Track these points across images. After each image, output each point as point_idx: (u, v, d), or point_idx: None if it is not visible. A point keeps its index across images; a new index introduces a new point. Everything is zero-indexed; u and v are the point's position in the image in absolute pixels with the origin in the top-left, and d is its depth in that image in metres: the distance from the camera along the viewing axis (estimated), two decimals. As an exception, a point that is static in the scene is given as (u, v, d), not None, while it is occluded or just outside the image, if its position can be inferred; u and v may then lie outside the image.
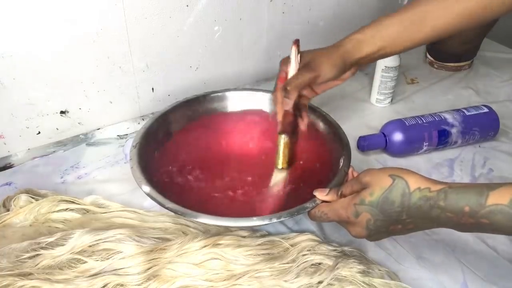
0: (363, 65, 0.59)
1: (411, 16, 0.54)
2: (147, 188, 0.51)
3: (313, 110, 0.64)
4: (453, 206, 0.39)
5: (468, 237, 0.56)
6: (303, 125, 0.59)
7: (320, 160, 0.60)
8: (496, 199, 0.37)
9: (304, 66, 0.55)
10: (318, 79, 0.54)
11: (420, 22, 0.54)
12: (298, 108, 0.58)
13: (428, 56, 0.97)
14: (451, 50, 0.92)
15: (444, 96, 0.86)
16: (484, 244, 0.55)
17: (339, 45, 0.56)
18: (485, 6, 0.52)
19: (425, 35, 0.55)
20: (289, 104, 0.54)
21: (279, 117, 0.56)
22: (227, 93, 0.69)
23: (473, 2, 0.52)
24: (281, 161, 0.59)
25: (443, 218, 0.40)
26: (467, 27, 0.54)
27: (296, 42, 0.56)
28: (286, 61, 0.57)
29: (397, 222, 0.43)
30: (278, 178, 0.60)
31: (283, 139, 0.58)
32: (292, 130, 0.59)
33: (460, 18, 0.53)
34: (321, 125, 0.63)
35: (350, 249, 0.53)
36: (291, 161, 0.60)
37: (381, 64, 0.78)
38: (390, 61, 0.77)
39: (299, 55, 0.56)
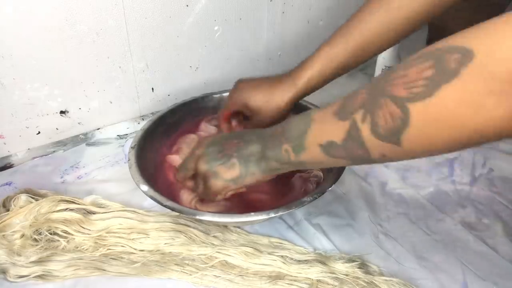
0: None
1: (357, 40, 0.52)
2: (145, 187, 0.51)
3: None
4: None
5: (468, 237, 0.56)
6: None
7: None
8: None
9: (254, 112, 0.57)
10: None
11: (365, 47, 0.52)
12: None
13: (428, 56, 0.97)
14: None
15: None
16: (484, 244, 0.55)
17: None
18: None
19: (369, 55, 0.54)
20: None
21: None
22: (225, 95, 0.69)
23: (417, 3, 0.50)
24: None
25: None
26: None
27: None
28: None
29: (231, 138, 0.48)
30: None
31: None
32: None
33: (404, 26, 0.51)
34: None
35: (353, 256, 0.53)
36: None
37: (381, 64, 0.78)
38: (390, 61, 0.77)
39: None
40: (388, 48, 0.54)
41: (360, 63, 0.55)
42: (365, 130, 0.34)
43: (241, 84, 0.59)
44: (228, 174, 0.47)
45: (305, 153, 0.40)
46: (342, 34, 0.53)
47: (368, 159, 0.36)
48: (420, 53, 0.31)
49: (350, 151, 0.36)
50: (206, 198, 0.51)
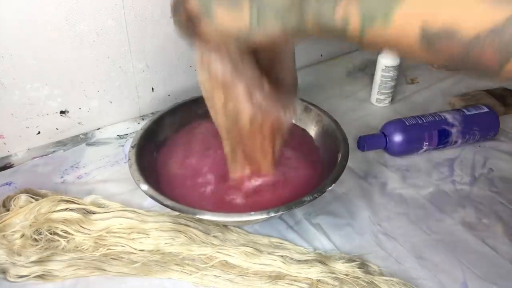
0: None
1: None
2: (145, 187, 0.51)
3: (313, 109, 0.64)
4: None
5: (468, 237, 0.56)
6: None
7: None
8: None
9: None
10: None
11: None
12: None
13: (428, 56, 0.97)
14: (451, 50, 0.92)
15: (444, 96, 0.86)
16: (484, 244, 0.55)
17: None
18: None
19: None
20: None
21: None
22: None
23: None
24: None
25: None
26: None
27: None
28: None
29: None
30: None
31: None
32: None
33: None
34: (320, 122, 0.63)
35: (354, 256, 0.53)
36: None
37: (381, 64, 0.78)
38: (390, 61, 0.77)
39: None
40: None
41: None
42: None
43: None
44: (228, 17, 0.31)
45: (384, 30, 0.25)
46: None
47: (491, 74, 0.24)
48: None
49: (476, 55, 0.24)
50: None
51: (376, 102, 0.82)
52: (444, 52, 0.24)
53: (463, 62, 0.24)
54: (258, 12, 0.29)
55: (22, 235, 0.53)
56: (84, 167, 0.67)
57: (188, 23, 0.34)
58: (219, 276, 0.50)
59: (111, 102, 0.72)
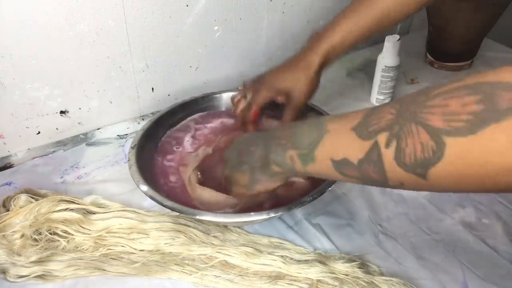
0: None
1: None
2: (145, 187, 0.51)
3: (313, 109, 0.64)
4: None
5: (468, 237, 0.56)
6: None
7: None
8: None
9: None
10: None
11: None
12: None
13: (428, 56, 0.97)
14: (451, 50, 0.92)
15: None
16: (484, 244, 0.55)
17: (308, 66, 0.56)
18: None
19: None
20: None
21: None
22: (224, 95, 0.69)
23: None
24: None
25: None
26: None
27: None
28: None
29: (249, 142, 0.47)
30: None
31: None
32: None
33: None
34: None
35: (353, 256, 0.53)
36: None
37: (381, 64, 0.78)
38: (390, 61, 0.76)
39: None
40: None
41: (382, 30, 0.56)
42: (387, 156, 0.31)
43: (261, 75, 0.59)
44: (242, 181, 0.47)
45: (314, 165, 0.38)
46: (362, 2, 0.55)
47: (383, 184, 0.33)
48: (464, 82, 0.28)
49: (365, 173, 0.33)
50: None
51: (376, 102, 0.82)
52: (350, 174, 0.35)
53: (363, 180, 0.34)
54: (251, 173, 0.46)
55: (22, 235, 0.53)
56: (84, 167, 0.67)
57: None
58: (219, 276, 0.50)
59: (111, 102, 0.72)
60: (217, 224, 0.56)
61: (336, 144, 0.36)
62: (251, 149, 0.45)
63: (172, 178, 0.59)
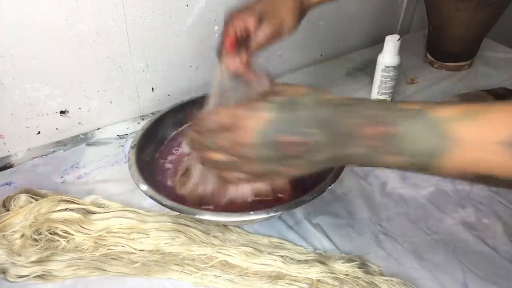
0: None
1: None
2: (145, 187, 0.51)
3: None
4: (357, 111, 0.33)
5: (468, 237, 0.56)
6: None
7: None
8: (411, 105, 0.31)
9: (261, 20, 0.48)
10: (279, 34, 0.49)
11: None
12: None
13: (428, 56, 0.97)
14: (451, 50, 0.92)
15: (444, 96, 0.86)
16: (484, 244, 0.55)
17: None
18: None
19: None
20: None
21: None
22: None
23: None
24: None
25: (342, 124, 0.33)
26: None
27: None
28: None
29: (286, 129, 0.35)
30: None
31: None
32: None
33: None
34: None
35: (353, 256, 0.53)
36: None
37: (381, 63, 0.78)
38: (390, 61, 0.76)
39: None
40: None
41: None
42: None
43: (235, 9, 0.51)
44: (292, 173, 0.38)
45: (437, 171, 0.32)
46: None
47: None
48: None
49: None
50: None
51: (376, 102, 0.82)
52: (493, 184, 0.30)
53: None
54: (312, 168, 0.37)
55: (22, 235, 0.53)
56: (84, 167, 0.67)
57: None
58: (219, 276, 0.50)
59: (111, 102, 0.72)
60: (217, 224, 0.56)
61: (477, 160, 0.29)
62: (305, 145, 0.35)
63: (172, 179, 0.59)
